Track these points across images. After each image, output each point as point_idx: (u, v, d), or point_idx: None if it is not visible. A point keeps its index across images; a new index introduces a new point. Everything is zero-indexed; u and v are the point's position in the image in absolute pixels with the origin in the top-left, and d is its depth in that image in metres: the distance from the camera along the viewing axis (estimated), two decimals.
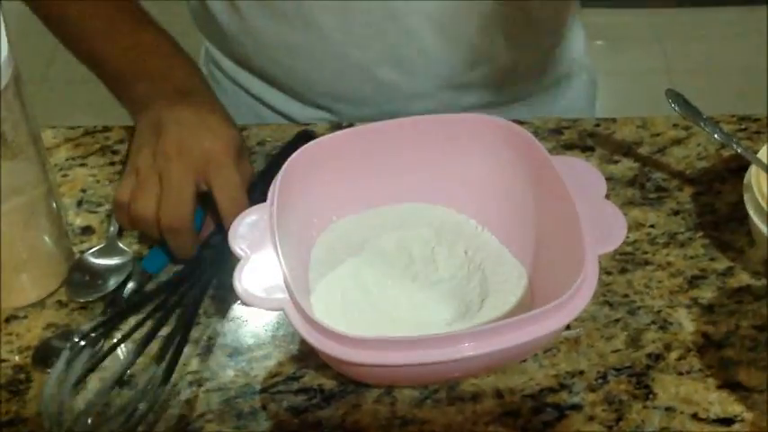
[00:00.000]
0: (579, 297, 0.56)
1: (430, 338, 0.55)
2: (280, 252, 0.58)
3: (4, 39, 0.56)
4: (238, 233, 0.60)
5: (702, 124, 0.65)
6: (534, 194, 0.65)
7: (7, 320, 0.65)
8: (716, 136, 0.65)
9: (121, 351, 0.62)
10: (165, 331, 0.61)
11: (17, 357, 0.63)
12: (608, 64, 2.28)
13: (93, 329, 0.60)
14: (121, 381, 0.60)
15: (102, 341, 0.62)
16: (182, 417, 0.59)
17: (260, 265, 0.58)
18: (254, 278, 0.57)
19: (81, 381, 0.59)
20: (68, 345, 0.59)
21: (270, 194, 0.62)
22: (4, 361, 0.62)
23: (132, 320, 0.63)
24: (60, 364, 0.58)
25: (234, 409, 0.60)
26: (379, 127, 0.66)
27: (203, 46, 0.93)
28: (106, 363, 0.60)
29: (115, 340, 0.62)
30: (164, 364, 0.58)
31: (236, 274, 0.57)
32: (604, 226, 0.59)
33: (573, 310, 0.55)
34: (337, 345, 0.54)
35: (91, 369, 0.59)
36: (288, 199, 0.63)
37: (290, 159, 0.63)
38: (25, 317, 0.65)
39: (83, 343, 0.59)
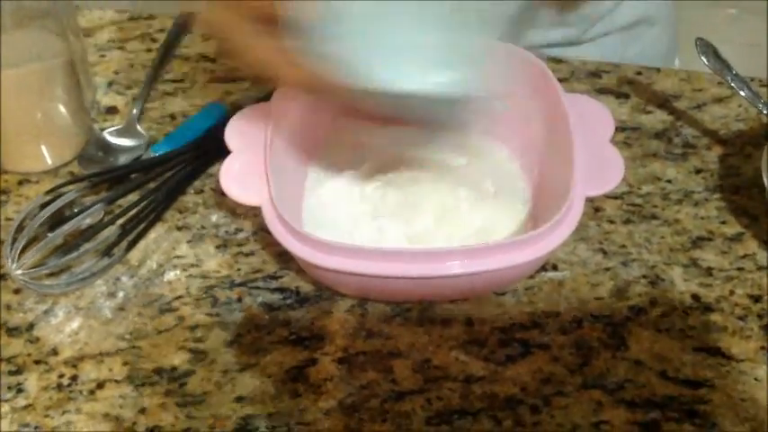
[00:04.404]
0: (554, 235, 0.54)
1: (391, 251, 0.54)
2: (268, 150, 0.58)
3: None
4: (236, 127, 0.61)
5: (729, 79, 0.61)
6: (543, 130, 0.63)
7: (20, 183, 0.68)
8: (742, 93, 0.61)
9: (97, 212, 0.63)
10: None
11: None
12: None
13: (75, 181, 0.62)
14: (85, 236, 0.61)
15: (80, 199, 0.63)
16: (161, 295, 0.61)
17: (250, 162, 0.59)
18: (240, 172, 0.58)
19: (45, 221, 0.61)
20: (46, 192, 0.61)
21: (275, 93, 0.62)
22: (9, 219, 0.66)
23: (120, 189, 0.65)
24: (34, 203, 0.60)
25: (211, 296, 0.61)
26: None
27: None
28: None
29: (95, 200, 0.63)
30: (130, 236, 0.59)
31: (223, 165, 0.58)
32: (601, 168, 0.58)
33: (544, 246, 0.54)
34: (306, 247, 0.55)
35: (64, 218, 0.61)
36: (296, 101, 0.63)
37: None
38: (37, 182, 0.68)
39: (62, 191, 0.61)
